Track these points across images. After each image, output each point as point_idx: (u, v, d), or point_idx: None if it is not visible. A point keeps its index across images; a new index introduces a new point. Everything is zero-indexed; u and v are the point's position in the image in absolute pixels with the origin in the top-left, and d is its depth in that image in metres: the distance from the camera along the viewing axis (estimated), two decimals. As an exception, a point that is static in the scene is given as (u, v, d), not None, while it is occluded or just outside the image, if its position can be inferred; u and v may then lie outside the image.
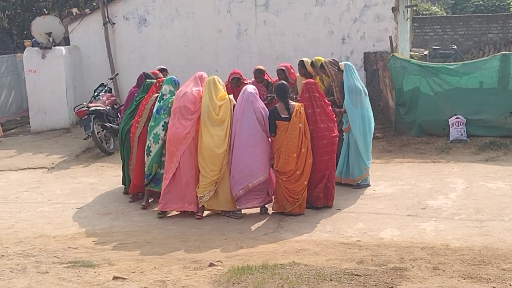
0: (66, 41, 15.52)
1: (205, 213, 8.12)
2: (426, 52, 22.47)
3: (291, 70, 9.85)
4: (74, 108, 12.42)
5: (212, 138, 7.81)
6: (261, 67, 10.03)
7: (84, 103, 12.03)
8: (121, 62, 14.75)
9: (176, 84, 8.50)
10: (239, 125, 7.80)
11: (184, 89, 8.13)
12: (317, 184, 8.05)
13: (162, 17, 14.55)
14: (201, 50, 14.40)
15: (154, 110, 8.38)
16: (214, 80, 8.02)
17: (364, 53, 13.52)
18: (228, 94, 8.19)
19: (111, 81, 13.56)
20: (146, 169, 8.40)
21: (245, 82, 9.61)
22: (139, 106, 8.79)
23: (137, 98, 9.01)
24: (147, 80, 9.18)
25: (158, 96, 8.51)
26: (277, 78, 9.90)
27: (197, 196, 7.93)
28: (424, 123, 11.61)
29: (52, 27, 14.47)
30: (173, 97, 8.24)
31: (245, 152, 7.75)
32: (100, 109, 11.75)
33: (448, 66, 11.91)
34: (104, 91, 12.73)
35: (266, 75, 10.08)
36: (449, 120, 11.28)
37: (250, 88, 8.06)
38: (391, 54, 12.27)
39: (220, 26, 14.26)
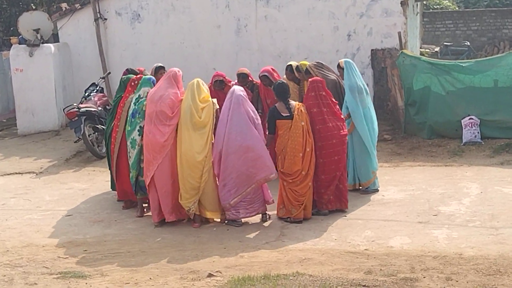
0: (55, 38, 15.54)
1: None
2: (437, 49, 22.50)
3: (275, 73, 9.83)
4: (63, 109, 12.41)
5: (192, 143, 7.75)
6: (245, 71, 10.03)
7: (75, 104, 12.02)
8: (114, 60, 14.76)
9: (154, 84, 8.37)
10: (229, 129, 7.75)
11: (159, 92, 7.99)
12: (328, 186, 8.09)
13: (157, 12, 14.57)
14: (198, 47, 14.41)
15: (130, 113, 8.30)
16: (198, 82, 7.99)
17: (372, 50, 13.54)
18: (212, 97, 8.15)
19: (103, 80, 13.56)
20: (130, 176, 8.38)
21: (229, 84, 9.63)
22: (117, 109, 8.70)
23: (116, 98, 8.95)
24: (123, 76, 9.10)
25: (135, 98, 8.41)
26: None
27: (177, 206, 7.92)
28: (436, 124, 11.61)
29: (40, 23, 14.47)
30: None
31: (241, 158, 7.72)
32: (91, 110, 11.75)
33: (461, 64, 11.91)
34: (95, 91, 12.72)
35: (250, 76, 10.09)
36: (462, 121, 11.28)
37: (239, 89, 8.05)
38: (400, 51, 12.29)
39: (219, 22, 14.27)
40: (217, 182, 7.96)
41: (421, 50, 19.36)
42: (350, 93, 8.86)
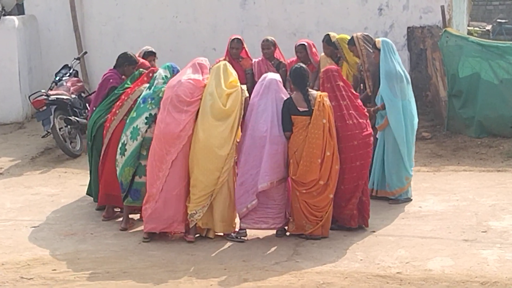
0: (19, 9, 15.57)
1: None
2: (488, 27, 22.46)
3: (313, 49, 9.85)
4: (29, 97, 12.47)
5: (212, 135, 7.81)
6: (270, 37, 10.07)
7: (43, 90, 12.07)
8: (91, 37, 14.77)
9: (175, 73, 8.49)
10: (254, 117, 7.86)
11: (179, 77, 8.17)
12: (350, 198, 8.07)
13: (145, -22, 14.60)
14: (194, 23, 14.41)
15: (140, 98, 8.39)
16: (225, 65, 8.13)
17: (408, 27, 13.52)
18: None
19: (78, 61, 13.59)
20: (118, 174, 8.39)
21: (250, 61, 9.66)
22: (121, 95, 8.78)
23: (122, 89, 8.98)
24: (141, 70, 9.13)
25: (148, 86, 8.54)
26: (293, 59, 9.92)
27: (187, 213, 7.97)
28: (486, 120, 11.61)
29: (2, -9, 14.53)
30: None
31: (261, 151, 7.79)
32: (63, 98, 11.78)
33: (518, 46, 11.93)
34: (68, 74, 12.77)
35: (277, 50, 10.11)
36: (519, 116, 11.31)
37: (273, 74, 8.24)
38: (443, 30, 12.28)
39: (220, -9, 14.29)
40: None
41: (469, 28, 19.32)
42: (386, 81, 8.90)
